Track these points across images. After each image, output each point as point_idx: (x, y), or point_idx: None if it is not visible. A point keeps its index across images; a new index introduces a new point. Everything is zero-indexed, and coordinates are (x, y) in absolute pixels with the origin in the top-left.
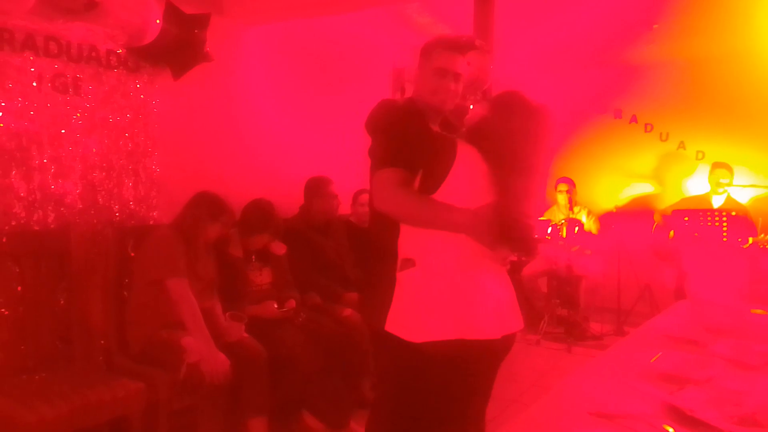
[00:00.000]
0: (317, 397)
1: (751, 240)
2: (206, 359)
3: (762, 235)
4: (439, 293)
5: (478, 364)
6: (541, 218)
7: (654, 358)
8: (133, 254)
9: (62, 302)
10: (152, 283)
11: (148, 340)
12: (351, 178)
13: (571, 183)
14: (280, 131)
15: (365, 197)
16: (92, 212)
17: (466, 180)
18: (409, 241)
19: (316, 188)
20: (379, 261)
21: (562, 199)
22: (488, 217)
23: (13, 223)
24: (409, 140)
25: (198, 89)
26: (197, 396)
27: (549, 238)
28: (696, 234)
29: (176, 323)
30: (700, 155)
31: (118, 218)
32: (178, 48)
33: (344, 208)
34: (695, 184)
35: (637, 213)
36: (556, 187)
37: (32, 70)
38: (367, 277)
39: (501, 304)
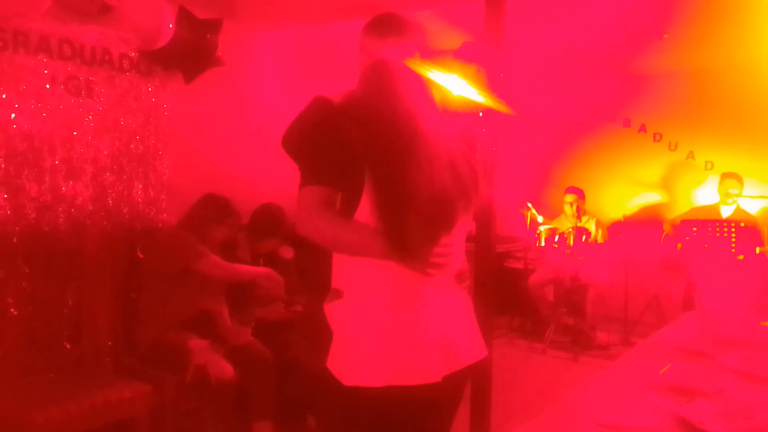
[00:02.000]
0: (323, 401)
1: (758, 250)
2: (211, 360)
3: None
4: (368, 332)
5: (416, 409)
6: (548, 226)
7: (663, 370)
8: (141, 256)
9: (71, 303)
10: (168, 278)
11: (156, 341)
12: None
13: (579, 193)
14: None
15: None
16: (102, 214)
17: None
18: (340, 268)
19: None
20: (311, 290)
21: (568, 209)
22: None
23: (24, 223)
24: (334, 153)
25: (209, 93)
26: (204, 398)
27: (556, 246)
28: (705, 245)
29: (183, 325)
30: (709, 165)
31: (127, 220)
32: (190, 52)
33: None
34: (704, 194)
35: (646, 222)
36: (563, 197)
37: (45, 72)
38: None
39: (446, 340)
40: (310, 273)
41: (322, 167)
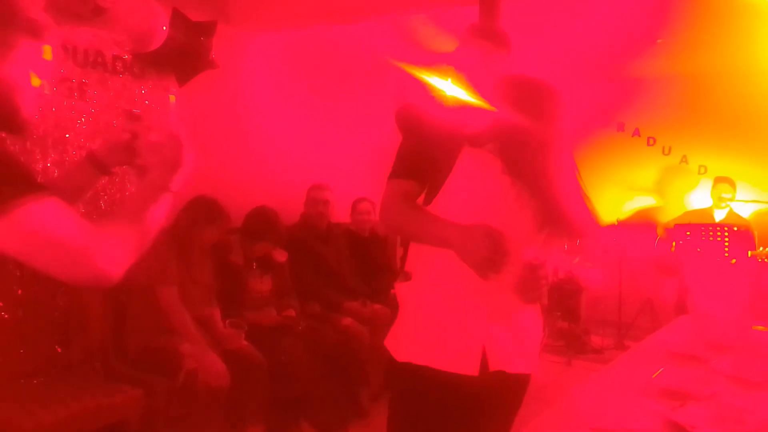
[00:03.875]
0: (315, 406)
1: (750, 253)
2: (203, 365)
3: (761, 248)
4: (425, 313)
5: (448, 398)
6: None
7: (656, 374)
8: None
9: (62, 306)
10: (145, 290)
11: (147, 346)
12: (355, 186)
13: None
14: (283, 138)
15: (364, 206)
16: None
17: (467, 192)
18: (415, 254)
19: (306, 193)
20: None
21: None
22: (477, 237)
23: None
24: (423, 148)
25: (202, 96)
26: (195, 403)
27: None
28: (698, 249)
29: (174, 329)
30: (702, 170)
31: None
32: (184, 55)
33: (346, 216)
34: (697, 198)
35: (640, 226)
36: None
37: None
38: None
39: (494, 339)
40: (303, 277)
41: (413, 160)
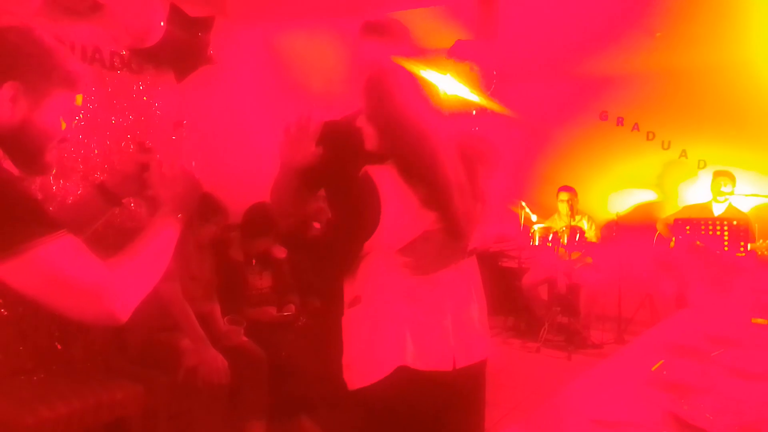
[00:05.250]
0: (316, 401)
1: (749, 246)
2: (203, 361)
3: (761, 241)
4: (381, 325)
5: (429, 399)
6: (542, 225)
7: (655, 366)
8: None
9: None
10: None
11: (147, 342)
12: None
13: (572, 191)
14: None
15: None
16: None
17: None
18: (362, 277)
19: None
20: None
21: (563, 207)
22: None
23: None
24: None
25: (201, 90)
26: (196, 399)
27: (550, 245)
28: (698, 242)
29: (175, 325)
30: (702, 164)
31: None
32: (182, 50)
33: None
34: (697, 192)
35: (639, 221)
36: (557, 196)
37: None
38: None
39: (457, 333)
40: (304, 273)
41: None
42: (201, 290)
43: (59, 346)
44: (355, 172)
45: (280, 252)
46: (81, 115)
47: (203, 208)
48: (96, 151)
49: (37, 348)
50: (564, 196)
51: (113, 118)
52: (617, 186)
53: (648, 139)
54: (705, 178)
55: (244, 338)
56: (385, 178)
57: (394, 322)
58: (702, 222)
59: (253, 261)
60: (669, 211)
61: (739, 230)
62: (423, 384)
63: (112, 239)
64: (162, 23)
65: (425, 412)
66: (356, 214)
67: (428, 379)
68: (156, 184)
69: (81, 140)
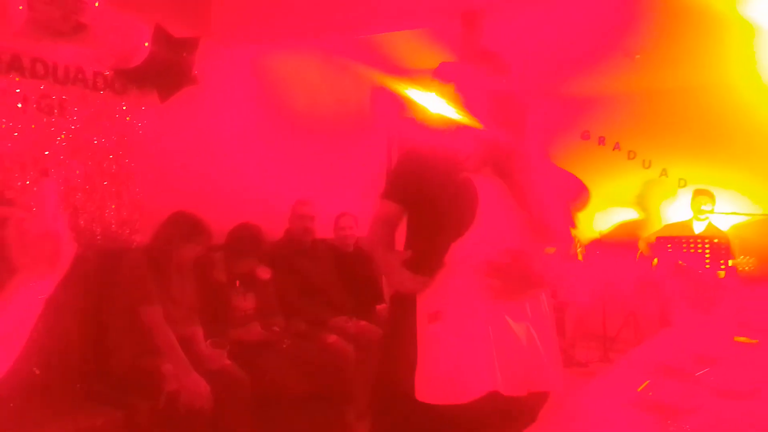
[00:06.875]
0: (300, 424)
1: (731, 263)
2: (185, 386)
3: (741, 257)
4: (472, 348)
5: (509, 422)
6: None
7: (641, 387)
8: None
9: (40, 327)
10: (126, 310)
11: (128, 367)
12: (338, 201)
13: None
14: (267, 154)
15: (345, 220)
16: (74, 234)
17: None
18: (443, 292)
19: (291, 209)
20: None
21: None
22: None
23: None
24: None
25: (183, 109)
26: (178, 425)
27: None
28: (680, 261)
29: (156, 350)
30: (682, 182)
31: (99, 241)
32: (166, 71)
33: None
34: (677, 211)
35: (622, 240)
36: None
37: (18, 91)
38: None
39: (524, 361)
40: (287, 294)
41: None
42: (183, 313)
43: (37, 372)
44: (447, 177)
45: (265, 273)
46: (63, 136)
47: (184, 229)
48: (77, 172)
49: (14, 372)
50: None
51: (95, 138)
52: (599, 205)
53: (629, 158)
54: (685, 196)
55: (227, 362)
56: (487, 186)
57: (484, 344)
58: (683, 240)
59: (237, 282)
60: (651, 230)
61: (720, 248)
62: (508, 410)
63: None
64: (146, 43)
65: None
66: (447, 216)
67: (513, 406)
68: (13, 246)
69: (62, 161)
